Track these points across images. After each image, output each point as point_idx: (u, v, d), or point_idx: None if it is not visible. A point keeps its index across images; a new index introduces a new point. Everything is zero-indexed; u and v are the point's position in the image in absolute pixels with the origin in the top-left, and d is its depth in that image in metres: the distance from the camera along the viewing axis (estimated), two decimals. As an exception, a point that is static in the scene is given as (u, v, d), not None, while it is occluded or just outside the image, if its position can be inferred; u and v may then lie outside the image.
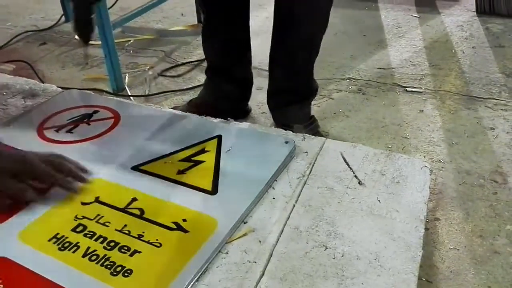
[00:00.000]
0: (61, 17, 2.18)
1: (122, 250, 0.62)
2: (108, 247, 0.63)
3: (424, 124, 1.22)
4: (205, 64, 1.67)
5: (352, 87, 1.44)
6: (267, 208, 0.72)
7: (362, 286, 0.58)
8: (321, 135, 1.05)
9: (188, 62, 1.73)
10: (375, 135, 1.16)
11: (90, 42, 0.99)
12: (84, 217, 0.68)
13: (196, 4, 2.06)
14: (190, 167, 0.81)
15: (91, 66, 1.68)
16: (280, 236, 0.66)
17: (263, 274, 0.60)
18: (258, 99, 1.35)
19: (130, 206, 0.71)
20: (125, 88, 1.49)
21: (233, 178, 0.77)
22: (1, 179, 0.71)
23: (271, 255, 0.63)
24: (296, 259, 0.62)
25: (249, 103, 1.29)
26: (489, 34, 1.81)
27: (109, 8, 1.44)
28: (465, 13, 2.04)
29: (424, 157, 1.10)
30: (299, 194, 0.75)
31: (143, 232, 0.65)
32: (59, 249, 0.63)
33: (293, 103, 1.13)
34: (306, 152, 0.86)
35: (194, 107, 1.22)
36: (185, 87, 1.51)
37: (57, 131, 0.93)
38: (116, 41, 1.45)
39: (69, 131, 0.93)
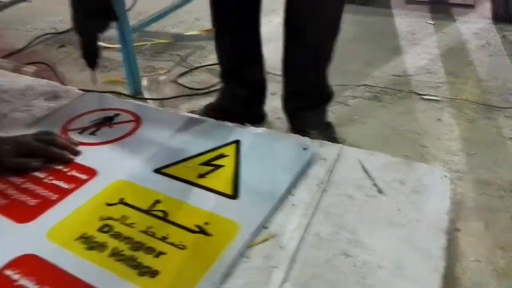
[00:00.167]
0: (79, 19, 2.22)
1: (148, 251, 0.64)
2: (134, 248, 0.64)
3: (442, 133, 1.23)
4: (219, 68, 1.70)
5: (367, 94, 1.45)
6: (287, 214, 0.73)
7: (383, 294, 0.59)
8: (337, 142, 1.06)
9: (203, 66, 1.75)
10: (392, 143, 1.17)
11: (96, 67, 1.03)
12: (109, 218, 0.70)
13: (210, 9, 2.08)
14: (210, 171, 0.82)
15: (109, 69, 1.71)
16: (301, 242, 0.67)
17: (285, 280, 0.62)
18: (273, 104, 1.37)
19: (153, 208, 0.72)
20: (142, 91, 1.51)
21: (253, 183, 0.78)
22: (4, 159, 0.80)
23: (292, 261, 0.64)
24: (317, 266, 0.63)
25: (264, 108, 1.30)
26: (506, 42, 1.80)
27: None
28: (481, 20, 2.04)
29: (443, 166, 1.10)
30: (319, 201, 0.76)
31: (167, 234, 0.67)
32: (86, 248, 0.64)
33: (308, 109, 1.14)
34: (324, 158, 0.87)
35: (211, 111, 1.23)
36: (200, 91, 1.53)
37: (80, 132, 0.95)
38: (132, 45, 1.47)
39: (92, 133, 0.95)
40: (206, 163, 0.84)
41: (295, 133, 0.98)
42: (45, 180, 0.79)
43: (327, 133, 1.12)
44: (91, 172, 0.81)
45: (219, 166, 0.83)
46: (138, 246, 0.65)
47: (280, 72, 1.47)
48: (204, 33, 2.06)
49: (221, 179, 0.79)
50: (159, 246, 0.65)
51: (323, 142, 0.91)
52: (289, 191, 0.77)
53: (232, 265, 0.63)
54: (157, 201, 0.74)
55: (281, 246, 0.67)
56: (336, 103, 1.31)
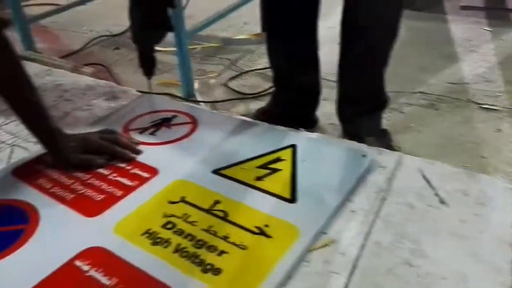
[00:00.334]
0: (132, 23, 2.29)
1: (211, 249, 0.65)
2: (197, 245, 0.66)
3: (503, 144, 1.19)
4: (269, 72, 1.71)
5: (423, 101, 1.42)
6: (346, 220, 0.73)
7: (449, 306, 0.58)
8: (393, 149, 1.04)
9: (253, 70, 1.77)
10: (451, 152, 1.14)
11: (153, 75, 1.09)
12: (172, 215, 0.72)
13: (261, 13, 2.09)
14: (268, 174, 0.83)
15: (162, 71, 1.76)
16: (361, 249, 0.67)
17: (346, 286, 0.61)
18: (325, 109, 1.36)
19: (214, 208, 0.74)
20: (195, 94, 1.54)
21: (311, 188, 0.78)
22: (71, 155, 0.85)
23: (354, 267, 0.64)
24: (379, 275, 0.63)
25: (316, 113, 1.30)
26: None
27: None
28: (542, 27, 1.96)
29: (505, 178, 1.06)
30: (379, 209, 0.75)
31: (228, 234, 0.68)
32: (152, 243, 0.66)
33: (364, 114, 1.13)
34: (383, 166, 0.85)
35: (263, 115, 1.24)
36: (251, 95, 1.55)
37: (140, 133, 0.98)
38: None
39: (152, 133, 0.98)
40: (263, 166, 0.85)
41: (349, 139, 0.97)
42: (109, 177, 0.83)
43: (384, 140, 1.10)
44: (152, 171, 0.84)
45: (276, 170, 0.84)
46: (200, 243, 0.66)
47: (332, 77, 1.47)
48: (253, 37, 2.09)
49: (278, 182, 0.80)
50: (221, 245, 0.66)
51: (381, 149, 0.90)
52: (347, 198, 0.77)
53: (293, 269, 0.63)
54: (217, 201, 0.75)
55: (341, 252, 0.66)
56: (391, 110, 1.29)
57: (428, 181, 0.81)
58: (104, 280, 0.61)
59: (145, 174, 0.83)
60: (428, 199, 0.77)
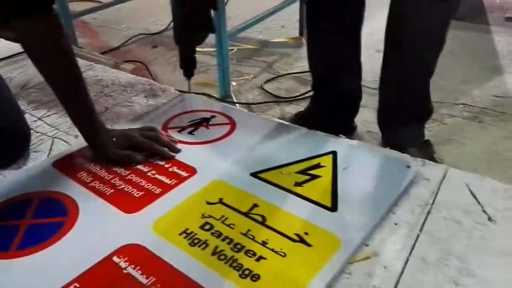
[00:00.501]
0: (170, 22, 2.32)
1: (248, 254, 0.64)
2: (235, 249, 0.64)
3: (551, 161, 1.13)
4: (306, 76, 1.70)
5: (466, 114, 1.37)
6: (389, 233, 0.70)
7: (499, 330, 0.54)
8: (436, 161, 1.00)
9: (289, 74, 1.75)
10: (496, 168, 1.10)
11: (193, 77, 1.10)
12: (210, 216, 0.71)
13: (300, 16, 2.08)
14: (307, 181, 0.81)
15: (198, 71, 1.76)
16: (405, 264, 0.64)
17: (389, 301, 0.59)
18: (363, 116, 1.33)
19: (252, 212, 0.72)
20: (231, 95, 1.54)
21: (353, 197, 0.76)
22: (111, 150, 0.85)
23: (397, 283, 0.61)
24: (425, 291, 0.60)
25: (355, 120, 1.28)
26: None
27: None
28: None
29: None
30: (423, 223, 0.72)
31: (267, 239, 0.66)
32: (190, 244, 0.66)
33: (406, 124, 1.10)
34: (428, 179, 0.82)
35: (301, 119, 1.22)
36: (286, 99, 1.53)
37: (179, 131, 0.98)
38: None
39: (191, 132, 0.98)
40: (303, 172, 0.83)
41: (391, 149, 0.94)
42: (148, 174, 0.82)
43: (426, 151, 1.07)
44: (191, 170, 0.83)
45: (316, 176, 0.82)
46: (238, 247, 0.65)
47: (370, 84, 1.44)
48: (290, 40, 2.07)
49: (318, 189, 0.78)
50: (260, 250, 0.64)
51: (426, 161, 0.87)
52: (390, 209, 0.74)
53: (334, 280, 0.61)
54: (255, 205, 0.74)
55: (384, 266, 0.64)
56: (432, 121, 1.25)
57: (475, 197, 0.78)
58: (142, 278, 0.60)
59: (184, 173, 0.83)
60: (476, 215, 0.73)
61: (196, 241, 0.66)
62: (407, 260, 0.65)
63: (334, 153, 0.88)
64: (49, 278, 0.61)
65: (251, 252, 0.64)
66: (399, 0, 1.01)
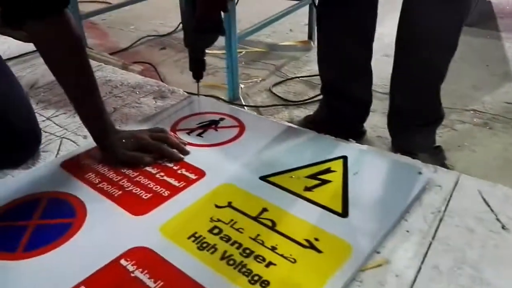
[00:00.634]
0: (179, 24, 2.32)
1: (258, 260, 0.63)
2: (244, 254, 0.64)
3: None
4: (314, 80, 1.68)
5: (477, 120, 1.36)
6: (401, 240, 0.69)
7: None
8: (447, 168, 0.99)
9: (298, 77, 1.74)
10: (508, 174, 1.08)
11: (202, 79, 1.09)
12: (219, 220, 0.70)
13: (309, 20, 2.07)
14: (317, 185, 0.80)
15: (206, 74, 1.76)
16: (418, 273, 0.63)
17: (401, 310, 0.57)
18: (372, 121, 1.32)
19: (261, 216, 0.71)
20: (240, 97, 1.53)
21: (364, 204, 0.75)
22: (120, 151, 0.85)
23: (410, 291, 0.60)
24: (438, 301, 0.59)
25: (364, 124, 1.26)
26: None
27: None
28: None
29: None
30: (436, 231, 0.71)
31: (276, 245, 0.65)
32: (198, 248, 0.65)
33: (417, 129, 1.08)
34: (440, 185, 0.81)
35: (310, 123, 1.21)
36: (295, 102, 1.52)
37: (188, 133, 0.97)
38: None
39: (199, 134, 0.97)
40: (312, 176, 0.82)
41: (401, 155, 0.93)
42: (157, 176, 0.82)
43: (437, 157, 1.05)
44: (199, 173, 0.83)
45: (326, 181, 0.81)
46: (248, 252, 0.64)
47: (379, 88, 1.43)
48: (299, 44, 2.06)
49: (328, 194, 0.77)
50: (269, 255, 0.63)
51: (437, 167, 0.86)
52: (402, 216, 0.73)
53: None
54: (265, 209, 0.73)
55: (396, 274, 0.62)
56: (443, 127, 1.24)
57: (488, 204, 0.76)
58: (149, 282, 0.59)
59: (192, 176, 0.82)
60: (489, 223, 0.72)
61: (204, 245, 0.65)
62: (420, 268, 0.64)
63: (344, 158, 0.87)
64: (56, 280, 0.61)
65: (261, 258, 0.63)
66: (410, 4, 1.00)
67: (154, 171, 0.83)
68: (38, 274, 0.62)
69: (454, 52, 1.02)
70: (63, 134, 1.02)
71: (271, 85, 1.65)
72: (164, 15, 2.61)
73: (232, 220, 0.70)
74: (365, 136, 1.26)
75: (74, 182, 0.81)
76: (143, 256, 0.64)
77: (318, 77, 1.64)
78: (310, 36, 2.08)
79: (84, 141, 0.98)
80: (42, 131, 0.98)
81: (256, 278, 0.60)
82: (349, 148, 0.91)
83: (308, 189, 0.78)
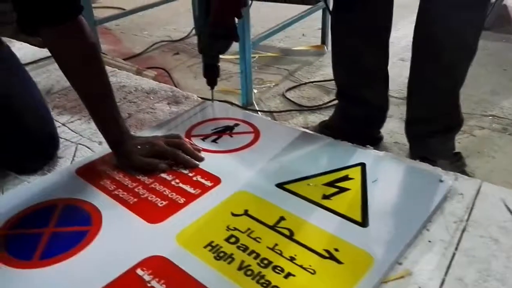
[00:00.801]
0: (192, 30, 2.32)
1: (276, 270, 0.61)
2: (262, 264, 0.62)
3: None
4: (328, 85, 1.67)
5: (496, 126, 1.33)
6: (423, 251, 0.67)
7: None
8: (467, 175, 0.96)
9: (312, 82, 1.72)
10: (530, 182, 1.05)
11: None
12: (235, 229, 0.69)
13: (322, 25, 2.06)
14: (335, 193, 0.78)
15: (220, 79, 1.75)
16: (441, 285, 0.61)
17: (425, 324, 0.55)
18: (389, 127, 1.30)
19: (279, 225, 0.70)
20: (253, 103, 1.52)
21: (384, 212, 0.73)
22: (136, 158, 0.84)
23: (434, 304, 0.58)
24: (464, 314, 0.57)
25: (381, 130, 1.24)
26: None
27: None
28: None
29: None
30: (459, 241, 0.69)
31: (295, 255, 0.64)
32: (215, 257, 0.63)
33: (436, 135, 1.06)
34: (461, 194, 0.79)
35: (326, 129, 1.19)
36: (310, 107, 1.50)
37: (203, 139, 0.96)
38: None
39: (214, 140, 0.96)
40: (330, 184, 0.80)
41: (420, 161, 0.91)
42: (172, 183, 0.81)
43: (457, 164, 1.03)
44: (215, 180, 0.82)
45: (344, 189, 0.79)
46: (265, 263, 0.62)
47: (395, 93, 1.40)
48: (312, 48, 2.05)
49: (347, 203, 0.75)
50: (288, 266, 0.62)
51: (458, 175, 0.83)
52: (424, 226, 0.71)
53: (366, 299, 0.58)
54: (282, 218, 0.71)
55: (419, 286, 0.61)
56: (461, 132, 1.21)
57: (512, 214, 0.74)
58: (166, 292, 0.58)
59: (208, 183, 0.81)
60: (514, 233, 0.70)
61: (221, 254, 0.64)
62: (443, 280, 0.61)
63: (362, 165, 0.85)
64: (72, 289, 0.60)
65: (279, 268, 0.61)
66: (427, 7, 0.98)
67: (169, 178, 0.82)
68: (54, 282, 0.61)
69: (473, 56, 1.00)
70: (78, 140, 1.02)
71: (284, 90, 1.64)
72: (177, 20, 2.62)
73: (249, 229, 0.69)
74: (382, 142, 1.24)
75: (90, 189, 0.80)
76: (160, 265, 0.63)
77: (332, 82, 1.63)
78: (323, 41, 2.07)
79: (99, 147, 0.98)
80: (57, 137, 0.98)
81: (275, 289, 0.58)
82: (367, 155, 0.89)
83: (326, 197, 0.77)
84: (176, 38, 2.31)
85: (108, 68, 1.42)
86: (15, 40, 1.63)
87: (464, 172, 1.01)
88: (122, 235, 0.69)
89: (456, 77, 1.02)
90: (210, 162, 0.87)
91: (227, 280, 0.60)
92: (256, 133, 0.99)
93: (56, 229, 0.71)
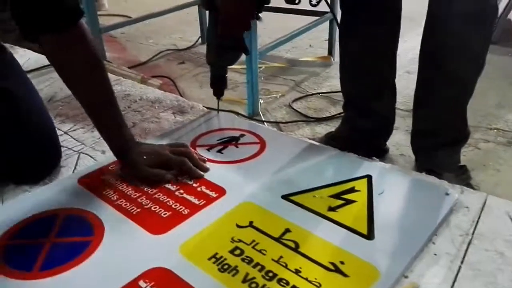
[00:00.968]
0: (198, 39, 2.33)
1: (281, 283, 0.60)
2: (267, 277, 0.61)
3: None
4: (335, 96, 1.67)
5: (500, 139, 1.32)
6: (429, 264, 0.66)
7: None
8: (473, 188, 0.95)
9: (318, 93, 1.72)
10: (535, 196, 1.04)
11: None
12: (240, 240, 0.68)
13: (329, 36, 2.06)
14: (341, 205, 0.77)
15: (226, 88, 1.75)
16: (449, 299, 0.60)
17: None
18: (394, 139, 1.29)
19: (284, 237, 0.69)
20: (259, 113, 1.52)
21: (390, 225, 0.72)
22: (142, 168, 0.83)
23: (441, 320, 0.57)
24: (472, 331, 0.55)
25: (387, 142, 1.24)
26: None
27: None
28: None
29: None
30: (465, 254, 0.68)
31: (300, 268, 0.63)
32: (219, 270, 0.63)
33: (442, 148, 1.05)
34: (467, 207, 0.78)
35: (332, 140, 1.19)
36: (316, 119, 1.50)
37: (208, 149, 0.96)
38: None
39: (219, 151, 0.95)
40: (336, 196, 0.80)
41: (426, 174, 0.90)
42: (176, 193, 0.80)
43: (462, 177, 1.02)
44: (220, 190, 0.81)
45: (350, 201, 0.78)
46: (270, 275, 0.62)
47: (401, 105, 1.40)
48: (319, 59, 2.05)
49: (353, 215, 0.74)
50: (293, 279, 0.61)
51: (464, 188, 0.83)
52: (429, 239, 0.70)
53: (373, 315, 0.57)
54: (287, 230, 0.71)
55: (426, 301, 0.60)
56: (466, 146, 1.20)
57: (520, 228, 0.73)
58: (169, 305, 0.57)
59: (212, 194, 0.80)
60: (521, 248, 0.69)
61: (225, 266, 0.63)
62: (451, 295, 0.61)
63: (369, 177, 0.85)
64: (73, 300, 0.59)
65: (284, 281, 0.61)
66: (435, 19, 0.98)
67: (173, 188, 0.82)
68: (55, 293, 0.61)
69: (482, 69, 0.99)
70: (81, 149, 1.02)
71: (291, 101, 1.64)
72: (184, 29, 2.64)
73: (253, 240, 0.68)
74: (388, 154, 1.23)
75: (92, 199, 0.80)
76: (163, 277, 0.62)
77: (339, 93, 1.62)
78: (330, 52, 2.07)
79: (102, 156, 0.97)
80: (60, 146, 0.98)
81: (279, 303, 0.57)
82: (373, 167, 0.89)
83: (332, 209, 0.76)
84: (182, 47, 2.32)
85: (112, 77, 1.43)
86: (17, 47, 1.64)
87: (469, 185, 1.00)
88: (125, 246, 0.68)
89: (464, 90, 1.01)
90: (215, 172, 0.87)
91: (232, 293, 0.59)
92: (262, 144, 0.98)
93: (57, 240, 0.70)
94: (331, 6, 1.94)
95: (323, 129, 1.41)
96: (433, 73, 1.02)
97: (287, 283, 0.60)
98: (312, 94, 1.70)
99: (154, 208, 0.76)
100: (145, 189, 0.81)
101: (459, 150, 1.08)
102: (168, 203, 0.77)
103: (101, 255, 0.67)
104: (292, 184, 0.83)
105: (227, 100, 1.60)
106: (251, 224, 0.72)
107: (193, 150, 0.93)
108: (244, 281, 0.61)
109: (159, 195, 0.80)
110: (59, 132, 1.07)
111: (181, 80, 1.88)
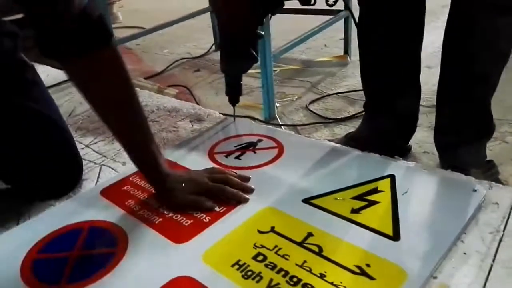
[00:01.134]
0: (211, 46, 2.34)
1: (306, 289, 0.59)
2: (291, 282, 0.60)
3: None
4: (353, 96, 1.64)
5: (529, 131, 1.28)
6: (459, 264, 0.64)
7: None
8: (501, 183, 0.92)
9: (336, 94, 1.70)
10: None
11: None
12: (262, 246, 0.67)
13: (344, 35, 2.04)
14: (365, 207, 0.76)
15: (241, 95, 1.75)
16: (482, 300, 0.58)
17: None
18: (417, 136, 1.26)
19: (307, 241, 0.68)
20: (276, 117, 1.51)
21: (416, 225, 0.70)
22: (181, 196, 0.79)
23: (475, 321, 0.55)
24: (508, 332, 0.53)
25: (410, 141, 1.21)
26: None
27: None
28: None
29: None
30: (496, 253, 0.65)
31: (325, 272, 0.62)
32: (243, 276, 0.62)
33: (466, 144, 1.02)
34: (497, 203, 0.75)
35: (353, 141, 1.16)
36: (335, 120, 1.48)
37: (226, 156, 0.96)
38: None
39: (237, 157, 0.95)
40: (359, 198, 0.78)
41: (452, 171, 0.87)
42: (197, 201, 0.80)
43: (490, 173, 0.98)
44: (240, 197, 0.80)
45: (374, 202, 0.77)
46: (295, 281, 0.61)
47: (423, 101, 1.36)
48: (335, 59, 2.03)
49: (378, 216, 0.73)
50: (318, 284, 0.60)
51: (492, 183, 0.80)
52: (458, 238, 0.68)
53: (402, 318, 0.55)
54: (310, 234, 0.70)
55: (458, 302, 0.58)
56: (493, 139, 1.17)
57: (553, 223, 0.70)
58: (194, 314, 0.57)
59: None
60: (556, 245, 0.66)
61: (249, 273, 0.62)
62: (484, 295, 0.58)
63: (392, 177, 0.83)
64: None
65: (309, 286, 0.60)
66: (459, 12, 0.95)
67: (194, 196, 0.81)
68: (82, 306, 0.61)
69: (507, 60, 0.96)
70: (102, 161, 1.03)
71: (308, 103, 1.62)
72: (197, 37, 2.65)
73: (276, 246, 0.67)
74: (411, 152, 1.20)
75: (115, 210, 0.80)
76: (187, 286, 0.62)
77: (357, 92, 1.60)
78: (346, 51, 2.05)
79: (123, 167, 0.98)
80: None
81: (305, 308, 0.56)
82: (396, 166, 0.87)
83: (355, 211, 0.75)
84: (196, 54, 2.33)
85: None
86: (37, 63, 1.66)
87: (498, 181, 0.97)
88: (149, 256, 0.68)
89: (488, 85, 0.98)
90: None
91: (256, 301, 0.58)
92: (280, 148, 0.98)
93: (82, 252, 0.70)
94: (347, 3, 1.93)
95: (342, 130, 1.39)
96: (456, 68, 0.98)
97: (312, 287, 0.59)
98: (329, 95, 1.68)
99: (176, 217, 0.76)
100: (165, 199, 0.82)
101: (484, 145, 1.05)
102: (189, 212, 0.77)
103: (126, 266, 0.67)
104: (312, 187, 0.82)
105: (243, 105, 1.60)
106: (272, 230, 0.71)
107: (232, 172, 0.88)
108: (268, 287, 0.60)
109: (180, 204, 0.80)
110: (80, 146, 1.09)
111: (197, 88, 1.89)
